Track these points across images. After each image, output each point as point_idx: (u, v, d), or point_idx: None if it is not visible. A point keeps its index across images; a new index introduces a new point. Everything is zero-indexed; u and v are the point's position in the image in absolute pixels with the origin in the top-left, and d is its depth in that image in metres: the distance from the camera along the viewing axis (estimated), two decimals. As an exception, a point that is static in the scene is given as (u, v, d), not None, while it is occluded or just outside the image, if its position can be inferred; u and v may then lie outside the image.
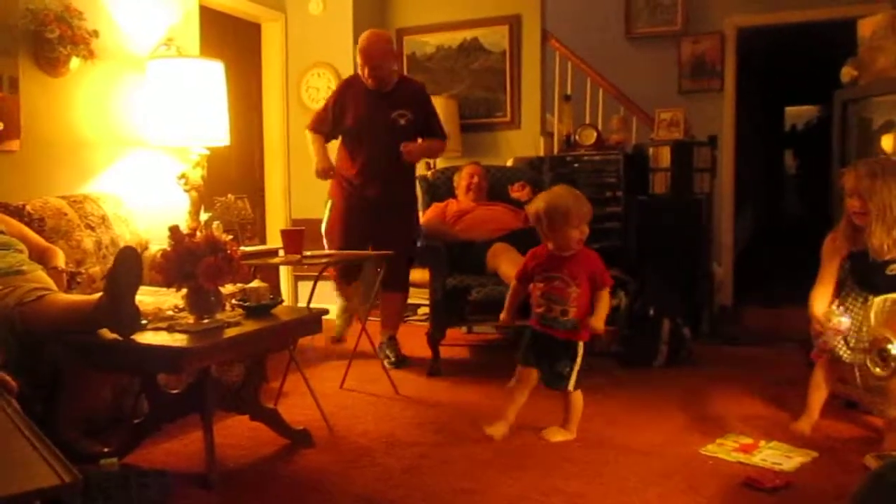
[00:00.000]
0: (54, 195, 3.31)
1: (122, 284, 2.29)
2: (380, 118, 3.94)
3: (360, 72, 3.96)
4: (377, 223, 3.95)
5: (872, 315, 2.64)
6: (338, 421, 3.05)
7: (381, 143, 3.93)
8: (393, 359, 3.97)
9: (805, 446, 2.67)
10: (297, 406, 3.19)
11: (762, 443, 2.70)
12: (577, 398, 2.83)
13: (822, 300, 2.75)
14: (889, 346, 2.48)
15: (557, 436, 2.79)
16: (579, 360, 2.78)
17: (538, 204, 2.77)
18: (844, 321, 2.65)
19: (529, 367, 2.83)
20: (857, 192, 2.62)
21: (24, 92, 3.32)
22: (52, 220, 3.14)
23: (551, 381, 2.81)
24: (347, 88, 4.06)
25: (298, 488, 2.42)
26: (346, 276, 4.12)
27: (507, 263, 3.71)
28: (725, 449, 2.67)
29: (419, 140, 4.09)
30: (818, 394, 2.82)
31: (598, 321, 2.75)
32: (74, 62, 3.46)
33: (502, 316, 2.95)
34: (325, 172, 3.99)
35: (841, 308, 2.71)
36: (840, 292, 2.79)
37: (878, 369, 2.52)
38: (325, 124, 4.05)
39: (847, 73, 3.57)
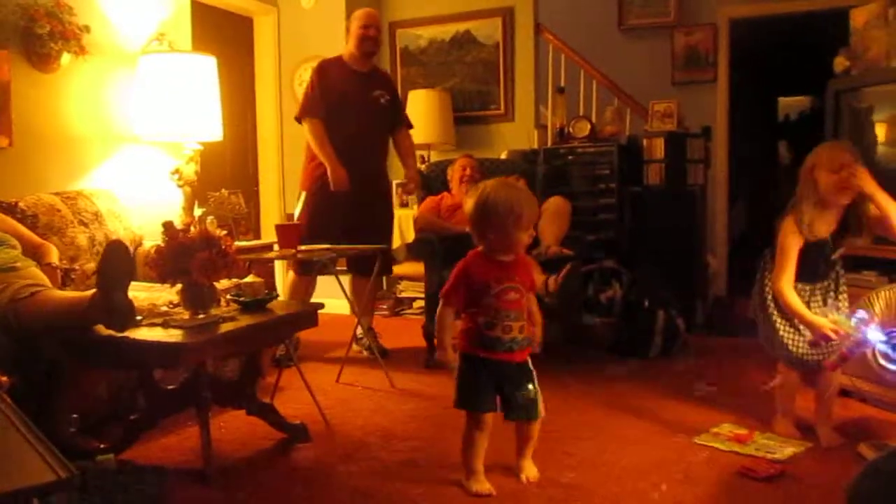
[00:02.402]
0: (47, 192, 3.30)
1: (113, 278, 2.29)
2: (363, 96, 3.98)
3: (355, 39, 3.97)
4: (358, 211, 3.85)
5: (880, 305, 2.63)
6: (334, 415, 3.05)
7: (365, 121, 3.96)
8: (377, 350, 3.96)
9: (798, 436, 2.68)
10: (294, 400, 3.19)
11: (756, 433, 2.71)
12: (539, 423, 2.37)
13: (796, 296, 2.60)
14: None
15: (534, 469, 2.39)
16: (535, 377, 2.35)
17: (485, 196, 2.24)
18: (870, 332, 2.50)
19: (490, 411, 2.29)
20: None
21: (15, 88, 3.30)
22: (45, 217, 3.13)
23: (521, 412, 2.31)
24: (326, 70, 4.04)
25: (295, 482, 2.42)
26: (307, 268, 3.80)
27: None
28: (720, 439, 2.68)
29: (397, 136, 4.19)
30: (794, 396, 2.76)
31: (539, 331, 2.39)
32: (65, 58, 3.45)
33: (445, 356, 2.29)
34: (342, 181, 3.82)
35: (844, 313, 2.60)
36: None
37: (886, 362, 2.50)
38: (319, 105, 3.95)
39: (840, 62, 3.57)
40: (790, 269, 2.59)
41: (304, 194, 4.04)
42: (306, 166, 4.10)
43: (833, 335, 2.53)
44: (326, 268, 3.63)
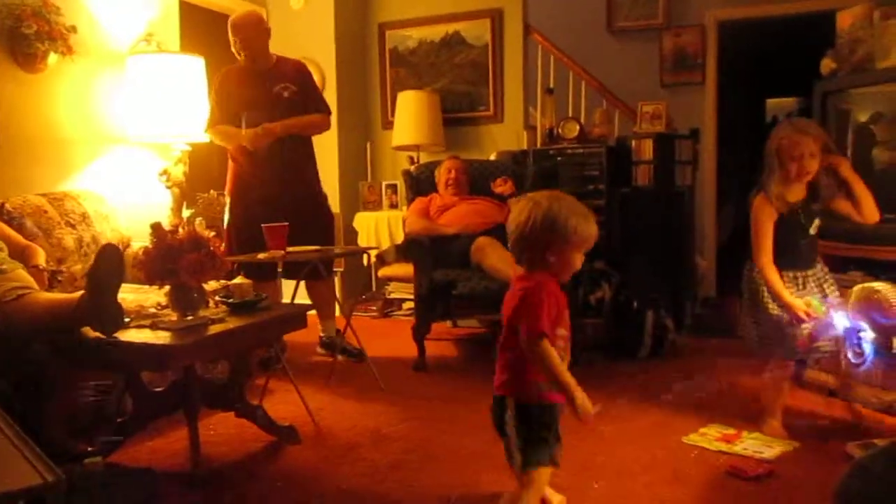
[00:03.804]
0: (34, 193, 3.28)
1: (104, 282, 2.28)
2: (264, 93, 3.84)
3: (232, 50, 3.89)
4: (284, 213, 3.54)
5: (850, 302, 2.66)
6: (323, 417, 3.05)
7: (271, 119, 3.79)
8: (353, 352, 3.93)
9: (786, 436, 2.69)
10: (283, 402, 3.18)
11: (744, 433, 2.72)
12: None
13: (777, 273, 2.62)
14: (862, 335, 2.51)
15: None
16: None
17: (553, 215, 1.92)
18: (836, 317, 2.57)
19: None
20: (818, 153, 2.57)
21: (1, 88, 3.29)
22: (31, 218, 3.11)
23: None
24: (225, 78, 3.93)
25: (284, 485, 2.42)
26: (263, 274, 3.62)
27: (491, 257, 3.73)
28: (708, 439, 2.69)
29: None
30: (782, 396, 2.77)
31: None
32: (52, 58, 3.43)
33: (587, 402, 2.00)
34: (256, 137, 3.73)
35: (819, 296, 2.64)
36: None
37: (852, 357, 2.55)
38: (216, 116, 3.87)
39: (826, 64, 3.59)
40: (768, 245, 2.62)
41: (228, 200, 3.94)
42: (229, 171, 3.96)
43: (805, 317, 2.58)
44: (263, 270, 3.54)
